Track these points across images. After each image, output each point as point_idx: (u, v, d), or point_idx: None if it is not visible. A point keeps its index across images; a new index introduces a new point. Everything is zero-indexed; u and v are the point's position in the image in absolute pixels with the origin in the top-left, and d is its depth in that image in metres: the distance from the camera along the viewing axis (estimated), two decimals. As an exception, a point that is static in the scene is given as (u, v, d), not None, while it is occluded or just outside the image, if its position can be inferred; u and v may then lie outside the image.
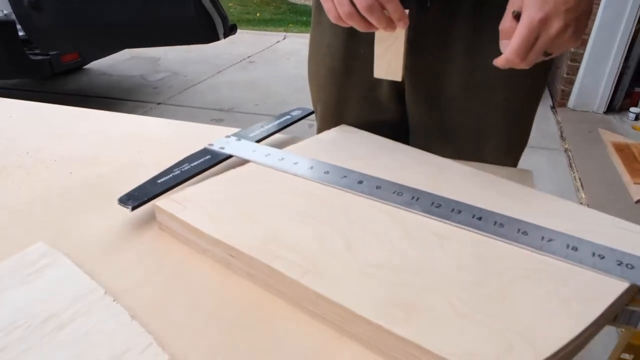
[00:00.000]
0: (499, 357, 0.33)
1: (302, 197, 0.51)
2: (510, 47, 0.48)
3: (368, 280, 0.40)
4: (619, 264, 0.42)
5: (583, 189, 1.90)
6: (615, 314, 0.42)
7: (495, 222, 0.46)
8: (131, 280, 0.44)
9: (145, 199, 0.51)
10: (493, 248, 0.44)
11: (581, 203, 1.80)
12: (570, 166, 2.10)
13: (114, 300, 0.41)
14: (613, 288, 0.40)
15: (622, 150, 2.16)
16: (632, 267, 0.41)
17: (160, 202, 0.50)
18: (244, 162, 0.59)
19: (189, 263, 0.46)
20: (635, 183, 1.89)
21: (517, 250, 0.44)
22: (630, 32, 2.47)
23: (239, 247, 0.43)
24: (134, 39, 2.35)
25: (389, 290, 0.39)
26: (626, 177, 1.94)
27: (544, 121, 2.54)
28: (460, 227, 0.46)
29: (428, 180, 0.54)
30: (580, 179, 1.97)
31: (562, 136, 2.40)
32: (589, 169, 2.04)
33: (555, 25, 0.47)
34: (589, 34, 2.54)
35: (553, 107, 2.77)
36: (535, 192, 0.53)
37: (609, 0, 2.43)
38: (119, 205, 0.51)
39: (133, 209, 0.50)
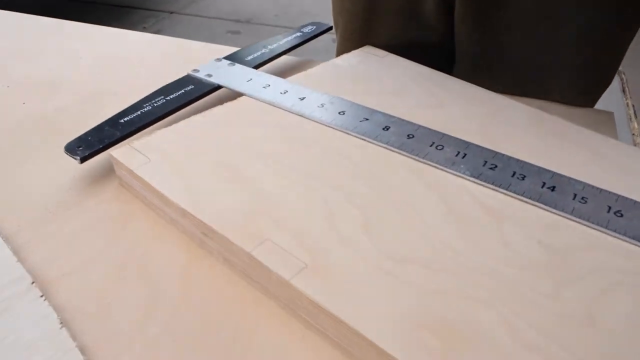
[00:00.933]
0: None
1: (307, 149, 0.38)
2: None
3: (389, 283, 0.28)
4: None
5: (637, 117, 1.70)
6: None
7: (576, 196, 0.33)
8: (73, 261, 0.33)
9: (100, 146, 0.38)
10: (573, 235, 0.31)
11: (633, 134, 1.61)
12: (623, 91, 1.87)
13: (41, 296, 0.30)
14: None
15: (685, 74, 1.90)
16: None
17: (118, 151, 0.38)
18: (236, 95, 0.45)
19: (151, 237, 0.34)
20: (697, 112, 1.68)
21: (610, 240, 0.31)
22: None
23: (214, 224, 0.31)
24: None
25: (417, 302, 0.27)
26: (687, 105, 1.73)
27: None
28: (525, 201, 0.33)
29: (478, 127, 0.40)
30: (633, 107, 1.76)
31: (615, 56, 2.13)
32: (644, 94, 1.82)
33: None
34: None
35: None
36: (632, 148, 0.39)
37: None
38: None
39: (82, 160, 0.38)
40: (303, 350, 0.27)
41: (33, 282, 0.31)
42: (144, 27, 2.44)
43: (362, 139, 0.39)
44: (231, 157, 0.37)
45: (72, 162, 0.39)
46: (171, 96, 0.45)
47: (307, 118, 0.41)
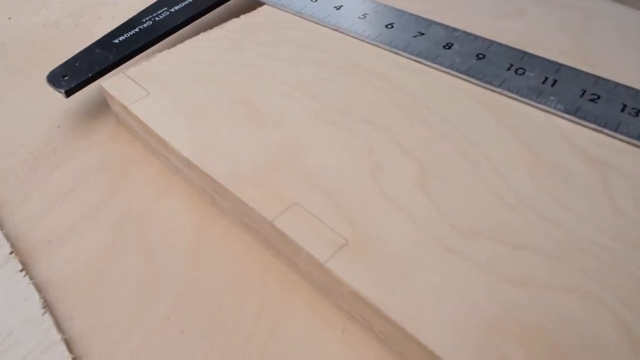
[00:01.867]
0: None
1: (345, 76, 0.30)
2: None
3: (457, 266, 0.20)
4: None
5: None
6: None
7: None
8: (61, 222, 0.27)
9: (89, 75, 0.31)
10: None
11: None
12: None
13: (21, 270, 0.24)
14: None
15: None
16: None
17: (109, 81, 0.30)
18: (255, 4, 0.36)
19: (154, 191, 0.28)
20: None
21: None
22: None
23: (226, 182, 0.24)
24: None
25: (496, 297, 0.19)
26: None
27: None
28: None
29: (573, 41, 0.31)
30: None
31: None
32: None
33: None
34: None
35: None
36: None
37: None
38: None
39: (68, 93, 0.30)
40: (342, 347, 0.21)
41: (12, 252, 0.25)
42: None
43: (417, 61, 0.30)
44: (248, 89, 0.29)
45: (60, 97, 0.32)
46: (176, 7, 0.36)
47: (344, 33, 0.33)
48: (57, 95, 0.33)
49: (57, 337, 0.22)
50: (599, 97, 0.26)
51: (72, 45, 0.37)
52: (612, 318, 0.18)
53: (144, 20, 0.35)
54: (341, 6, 0.34)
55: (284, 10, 0.35)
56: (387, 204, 0.23)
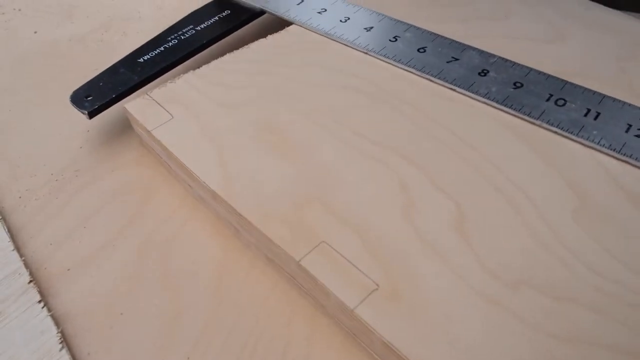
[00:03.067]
0: None
1: (377, 102, 0.29)
2: None
3: (498, 319, 0.19)
4: None
5: None
6: None
7: None
8: (81, 250, 0.26)
9: (113, 95, 0.30)
10: None
11: None
12: None
13: (39, 302, 0.24)
14: None
15: None
16: None
17: (133, 104, 0.29)
18: (283, 23, 0.36)
19: (177, 220, 0.27)
20: None
21: None
22: None
23: (253, 218, 0.23)
24: None
25: (541, 349, 0.18)
26: None
27: None
28: (690, 187, 0.23)
29: (617, 70, 0.29)
30: None
31: None
32: None
33: None
34: None
35: None
36: None
37: None
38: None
39: (91, 115, 0.30)
40: (371, 398, 0.20)
41: (31, 281, 0.24)
42: None
43: (450, 89, 0.29)
44: (276, 115, 0.28)
45: (82, 115, 0.31)
46: (202, 25, 0.35)
47: (374, 57, 0.31)
48: (78, 117, 0.32)
49: (74, 373, 0.21)
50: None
51: (96, 61, 0.36)
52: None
53: (170, 38, 0.34)
54: (372, 27, 0.33)
55: (312, 31, 0.34)
56: (421, 247, 0.21)
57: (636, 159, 0.24)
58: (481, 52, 0.30)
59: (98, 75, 0.32)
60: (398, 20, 0.34)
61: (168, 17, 0.41)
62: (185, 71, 0.32)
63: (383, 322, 0.19)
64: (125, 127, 0.33)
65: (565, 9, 0.34)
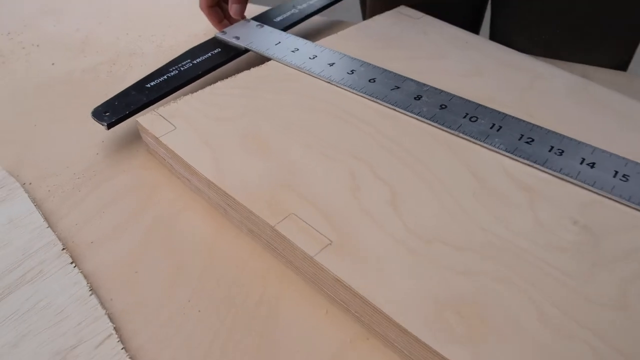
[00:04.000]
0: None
1: (335, 118, 0.37)
2: None
3: (415, 261, 0.27)
4: None
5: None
6: None
7: (617, 173, 0.31)
8: (101, 228, 0.33)
9: (127, 112, 0.38)
10: (611, 214, 0.29)
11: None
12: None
13: (71, 263, 0.30)
14: None
15: None
16: None
17: (144, 117, 0.37)
18: (263, 59, 0.44)
19: (178, 206, 0.34)
20: None
21: (647, 220, 0.29)
22: None
23: (238, 196, 0.31)
24: None
25: (444, 281, 0.26)
26: None
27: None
28: (562, 178, 0.31)
29: (516, 97, 0.38)
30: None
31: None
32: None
33: None
34: None
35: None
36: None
37: None
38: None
39: (109, 126, 0.37)
40: (327, 326, 0.27)
41: (64, 249, 0.31)
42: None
43: (393, 109, 0.37)
44: (257, 126, 0.36)
45: (100, 127, 0.39)
46: (198, 60, 0.44)
47: (336, 85, 0.40)
48: (95, 129, 0.40)
49: (102, 312, 0.28)
50: (532, 140, 0.34)
51: (106, 88, 0.44)
52: (527, 299, 0.25)
53: (171, 69, 0.43)
54: (334, 63, 0.42)
55: (287, 65, 0.43)
56: (363, 216, 0.29)
57: (524, 158, 0.32)
58: (417, 82, 0.39)
59: (114, 97, 0.40)
60: (355, 58, 0.42)
61: (166, 54, 0.49)
62: (185, 94, 0.40)
63: (334, 265, 0.27)
64: (134, 139, 0.40)
65: (486, 52, 0.44)
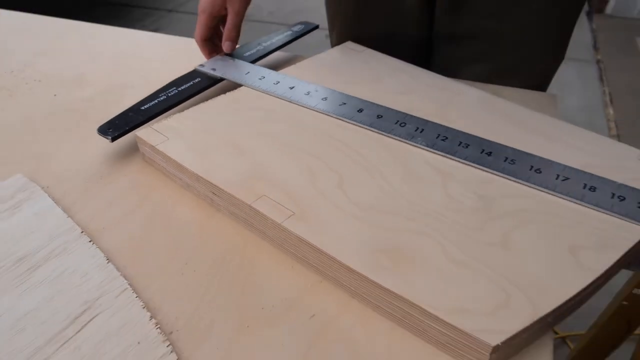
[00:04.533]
0: (495, 312, 0.31)
1: (295, 127, 0.47)
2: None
3: (356, 223, 0.36)
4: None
5: (612, 104, 1.78)
6: (631, 261, 0.38)
7: (507, 158, 0.42)
8: (110, 218, 0.41)
9: (127, 128, 0.47)
10: (501, 188, 0.40)
11: (608, 120, 1.70)
12: (601, 79, 1.96)
13: (90, 241, 0.39)
14: (630, 234, 0.36)
15: (661, 63, 2.00)
16: None
17: (141, 132, 0.46)
18: (236, 85, 0.54)
19: (171, 199, 0.43)
20: (670, 98, 1.77)
21: (527, 190, 0.39)
22: None
23: (221, 184, 0.40)
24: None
25: (378, 236, 0.35)
26: (661, 92, 1.82)
27: (578, 29, 2.34)
28: (467, 164, 0.42)
29: (437, 108, 0.49)
30: (610, 94, 1.85)
31: (595, 46, 2.22)
32: (620, 82, 1.90)
33: None
34: None
35: (589, 13, 2.55)
36: (557, 121, 0.48)
37: None
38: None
39: (113, 139, 0.46)
40: (292, 277, 0.36)
41: (82, 232, 0.39)
42: (143, 26, 2.51)
43: (341, 120, 0.48)
44: (234, 136, 0.46)
45: (101, 144, 0.48)
46: (182, 87, 0.53)
47: (296, 104, 0.50)
48: (98, 145, 0.48)
49: (117, 274, 0.36)
50: (446, 138, 0.44)
51: (103, 114, 0.52)
52: (437, 244, 0.34)
53: (160, 95, 0.52)
54: (294, 87, 0.52)
55: (256, 90, 0.53)
56: (318, 195, 0.39)
57: (439, 151, 0.43)
58: (360, 100, 0.50)
59: (115, 117, 0.49)
60: (310, 83, 0.53)
61: (152, 85, 0.58)
62: (173, 114, 0.49)
63: (296, 228, 0.36)
64: (131, 151, 0.49)
65: (415, 76, 0.55)
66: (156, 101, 0.51)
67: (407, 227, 0.36)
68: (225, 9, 0.57)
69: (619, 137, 1.61)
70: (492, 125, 0.46)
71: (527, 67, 0.61)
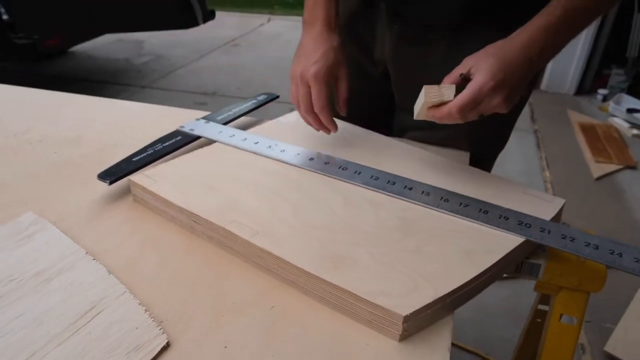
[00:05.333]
0: (406, 294, 0.42)
1: (260, 173, 0.59)
2: (455, 104, 0.51)
3: (307, 239, 0.48)
4: (519, 224, 0.50)
5: (548, 168, 1.99)
6: (515, 265, 0.51)
7: (423, 192, 0.54)
8: (109, 244, 0.51)
9: (121, 174, 0.58)
10: (418, 213, 0.52)
11: (545, 181, 1.89)
12: (538, 146, 2.19)
13: (93, 259, 0.48)
14: (510, 243, 0.48)
15: (587, 131, 2.25)
16: (529, 226, 0.50)
17: (135, 177, 0.57)
18: (211, 142, 0.66)
19: (159, 229, 0.53)
20: (596, 161, 1.99)
21: (437, 214, 0.52)
22: (600, 16, 2.54)
23: (201, 213, 0.51)
24: (114, 24, 2.39)
25: (323, 247, 0.47)
26: (588, 156, 2.04)
27: (518, 103, 2.62)
28: (393, 196, 0.54)
29: (374, 156, 0.62)
30: (546, 159, 2.06)
31: (532, 117, 2.48)
32: (555, 148, 2.13)
33: (500, 95, 0.51)
34: (561, 18, 2.61)
35: (528, 89, 2.85)
36: (462, 166, 0.61)
37: (580, -15, 2.50)
38: (99, 181, 0.58)
39: (111, 183, 0.57)
40: (257, 281, 0.47)
41: (87, 253, 0.49)
42: (117, 100, 2.63)
43: (295, 166, 0.60)
44: (209, 179, 0.57)
45: (98, 189, 0.58)
46: (166, 143, 0.65)
47: (260, 155, 0.62)
48: (95, 190, 0.59)
49: (117, 281, 0.45)
50: (378, 178, 0.57)
51: (99, 166, 0.63)
52: (366, 252, 0.46)
53: (148, 149, 0.63)
54: (258, 142, 0.65)
55: (227, 145, 0.65)
56: (278, 220, 0.50)
57: (372, 187, 0.55)
58: (311, 151, 0.62)
59: (110, 167, 0.59)
60: (272, 139, 0.65)
61: (139, 143, 0.70)
62: (161, 163, 0.60)
63: (260, 242, 0.47)
64: (122, 195, 0.59)
65: (354, 133, 0.68)
66: (145, 154, 0.62)
67: (345, 240, 0.48)
68: (331, 76, 0.62)
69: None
70: (412, 168, 0.59)
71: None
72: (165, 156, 0.63)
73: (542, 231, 0.49)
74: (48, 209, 0.56)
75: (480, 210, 0.52)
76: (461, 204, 0.53)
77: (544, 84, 2.82)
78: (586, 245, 0.48)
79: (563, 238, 0.48)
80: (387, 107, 0.80)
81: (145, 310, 0.43)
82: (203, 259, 0.49)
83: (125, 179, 0.58)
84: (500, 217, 0.51)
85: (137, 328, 0.41)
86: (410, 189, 0.55)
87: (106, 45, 3.70)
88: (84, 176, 0.62)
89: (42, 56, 2.83)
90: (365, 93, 0.78)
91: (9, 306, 0.43)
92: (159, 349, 0.40)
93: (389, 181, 0.56)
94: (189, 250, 0.50)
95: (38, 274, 0.46)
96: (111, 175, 0.58)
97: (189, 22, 2.22)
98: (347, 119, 0.70)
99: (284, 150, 0.63)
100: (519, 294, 1.32)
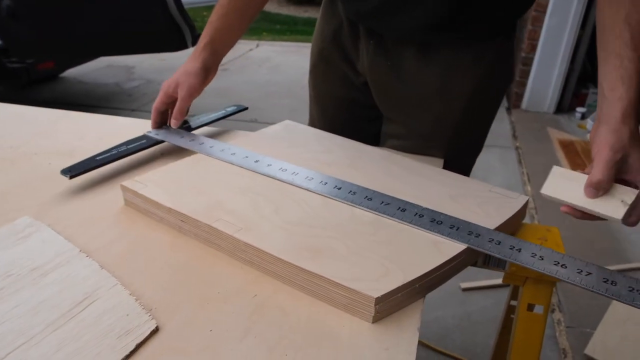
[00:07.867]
0: (378, 279, 0.45)
1: (245, 177, 0.62)
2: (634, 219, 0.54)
3: (288, 233, 0.51)
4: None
5: (529, 182, 2.05)
6: (483, 255, 0.54)
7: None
8: (102, 242, 0.54)
9: (82, 170, 0.64)
10: (389, 222, 0.56)
11: (527, 195, 1.95)
12: (520, 162, 2.25)
13: (87, 256, 0.51)
14: (459, 245, 0.51)
15: (567, 147, 2.32)
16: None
17: (126, 182, 0.61)
18: (174, 147, 0.71)
19: (149, 229, 0.57)
20: (576, 176, 2.05)
21: (403, 227, 0.56)
22: (574, 37, 2.65)
23: (188, 213, 0.54)
24: (106, 48, 2.45)
25: (302, 240, 0.50)
26: (569, 171, 2.10)
27: (499, 122, 2.69)
28: (370, 211, 0.58)
29: (349, 161, 0.66)
30: (527, 174, 2.12)
31: (514, 135, 2.56)
32: (536, 164, 2.20)
33: None
34: (538, 40, 2.71)
35: (508, 109, 2.94)
36: (435, 168, 0.66)
37: (554, 8, 2.60)
38: (92, 187, 0.61)
39: (71, 177, 0.62)
40: (240, 273, 0.50)
41: (80, 250, 0.52)
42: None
43: (279, 180, 0.63)
44: (195, 183, 0.61)
45: (90, 195, 0.62)
46: (130, 145, 0.71)
47: (239, 166, 0.66)
48: (88, 196, 0.62)
49: (109, 274, 0.49)
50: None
51: (90, 176, 0.67)
52: (342, 243, 0.50)
53: (113, 150, 0.68)
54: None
55: (208, 155, 0.69)
56: (260, 217, 0.54)
57: (348, 201, 0.59)
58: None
59: (74, 164, 0.64)
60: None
61: (104, 145, 0.73)
62: (149, 170, 0.64)
63: (244, 237, 0.50)
64: (115, 200, 0.62)
65: (334, 142, 0.73)
66: (109, 154, 0.68)
67: (322, 234, 0.51)
68: (177, 92, 0.74)
69: (536, 210, 1.84)
70: (388, 179, 0.63)
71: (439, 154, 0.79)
72: (127, 156, 0.69)
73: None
74: (43, 214, 0.60)
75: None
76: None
77: (525, 103, 2.91)
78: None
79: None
80: (374, 116, 0.86)
81: (136, 299, 0.46)
82: (190, 254, 0.53)
83: (117, 185, 0.62)
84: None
85: (127, 315, 0.44)
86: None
87: (96, 71, 3.75)
88: (77, 184, 0.66)
89: (34, 81, 2.87)
90: (350, 99, 0.87)
91: (8, 297, 0.46)
92: (148, 332, 0.43)
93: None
94: (177, 247, 0.54)
95: (34, 269, 0.49)
96: (73, 170, 0.63)
97: (179, 45, 2.29)
98: (336, 125, 0.82)
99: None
100: (502, 304, 1.36)
